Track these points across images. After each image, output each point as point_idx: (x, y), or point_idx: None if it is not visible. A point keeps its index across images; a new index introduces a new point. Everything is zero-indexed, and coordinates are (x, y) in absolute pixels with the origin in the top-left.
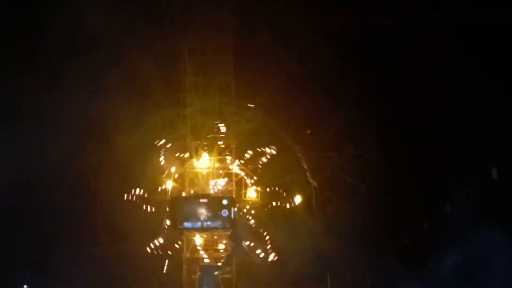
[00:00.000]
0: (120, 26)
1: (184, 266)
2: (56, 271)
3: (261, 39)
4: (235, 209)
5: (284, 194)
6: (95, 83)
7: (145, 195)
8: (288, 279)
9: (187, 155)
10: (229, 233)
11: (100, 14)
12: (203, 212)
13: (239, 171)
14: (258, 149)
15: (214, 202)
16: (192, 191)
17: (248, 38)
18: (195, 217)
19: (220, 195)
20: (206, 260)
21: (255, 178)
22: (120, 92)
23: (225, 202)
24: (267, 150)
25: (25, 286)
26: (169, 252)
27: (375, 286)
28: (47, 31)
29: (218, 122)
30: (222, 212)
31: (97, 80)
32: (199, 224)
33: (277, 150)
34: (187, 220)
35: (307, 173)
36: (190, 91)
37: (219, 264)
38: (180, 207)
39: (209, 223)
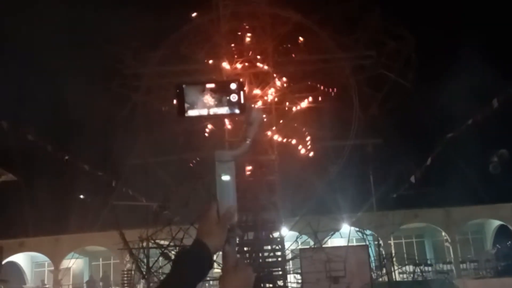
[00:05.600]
0: None
1: None
2: None
3: None
4: (245, 93)
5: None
6: None
7: None
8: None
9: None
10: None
11: None
12: (209, 98)
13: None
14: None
15: (221, 87)
16: None
17: None
18: (201, 104)
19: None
20: None
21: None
22: None
23: (233, 86)
24: None
25: None
26: None
27: (415, 185)
28: None
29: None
30: (231, 97)
31: None
32: (205, 111)
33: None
34: (192, 108)
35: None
36: None
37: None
38: (184, 94)
39: (216, 109)
